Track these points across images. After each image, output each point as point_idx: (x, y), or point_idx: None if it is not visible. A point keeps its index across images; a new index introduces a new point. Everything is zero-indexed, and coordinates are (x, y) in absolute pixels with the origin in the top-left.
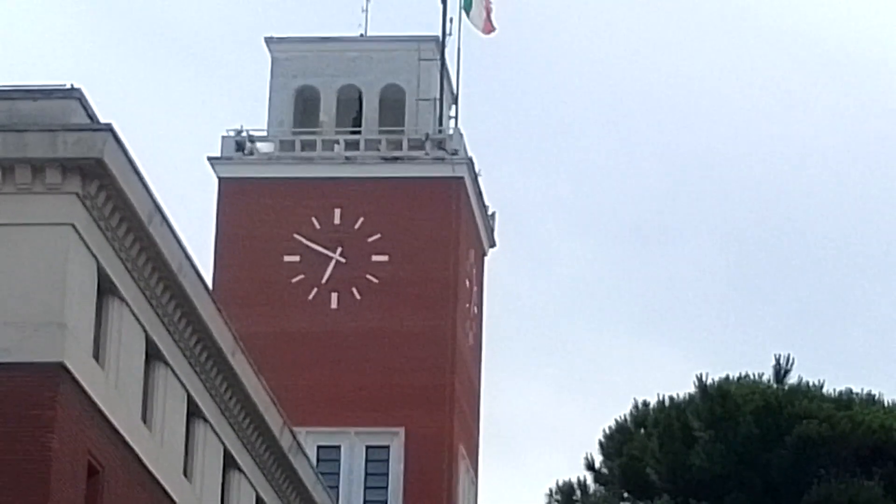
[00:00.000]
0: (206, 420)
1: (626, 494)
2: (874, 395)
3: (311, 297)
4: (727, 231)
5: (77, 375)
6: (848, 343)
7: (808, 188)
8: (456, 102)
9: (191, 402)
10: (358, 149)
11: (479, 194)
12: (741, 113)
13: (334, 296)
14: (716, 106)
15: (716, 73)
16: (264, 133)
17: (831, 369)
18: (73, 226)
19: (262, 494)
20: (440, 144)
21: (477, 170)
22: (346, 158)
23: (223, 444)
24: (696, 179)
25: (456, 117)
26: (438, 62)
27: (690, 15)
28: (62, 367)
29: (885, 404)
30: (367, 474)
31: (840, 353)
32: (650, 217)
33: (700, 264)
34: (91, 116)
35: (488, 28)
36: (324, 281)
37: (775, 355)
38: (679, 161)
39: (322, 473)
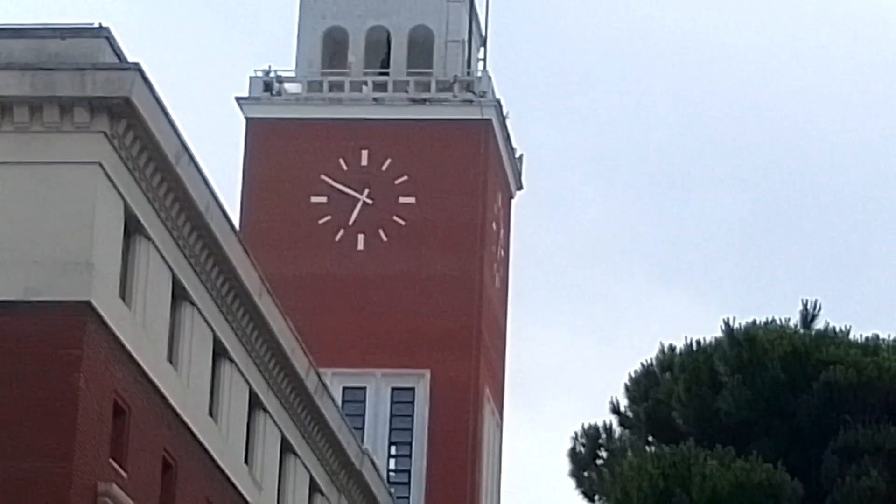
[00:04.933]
0: (232, 361)
1: (651, 438)
2: None
3: (337, 238)
4: (754, 176)
5: (104, 315)
6: (875, 288)
7: (833, 131)
8: (484, 44)
9: (217, 343)
10: (386, 90)
11: (507, 137)
12: (765, 58)
13: (361, 237)
14: (740, 52)
15: (741, 20)
16: (292, 74)
17: (859, 315)
18: (101, 165)
19: (287, 435)
20: (468, 86)
21: (505, 112)
22: (374, 100)
23: (249, 384)
24: (723, 125)
25: (484, 59)
26: (467, 4)
27: None
28: (89, 307)
29: None
30: (392, 416)
31: (867, 298)
32: (676, 162)
33: (727, 210)
34: (119, 56)
35: None
36: (351, 223)
37: (802, 300)
38: (705, 107)
39: (347, 415)
